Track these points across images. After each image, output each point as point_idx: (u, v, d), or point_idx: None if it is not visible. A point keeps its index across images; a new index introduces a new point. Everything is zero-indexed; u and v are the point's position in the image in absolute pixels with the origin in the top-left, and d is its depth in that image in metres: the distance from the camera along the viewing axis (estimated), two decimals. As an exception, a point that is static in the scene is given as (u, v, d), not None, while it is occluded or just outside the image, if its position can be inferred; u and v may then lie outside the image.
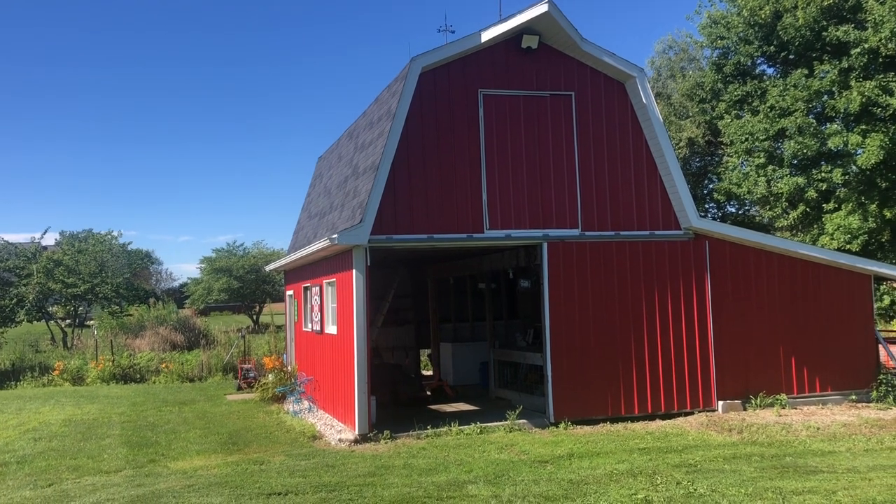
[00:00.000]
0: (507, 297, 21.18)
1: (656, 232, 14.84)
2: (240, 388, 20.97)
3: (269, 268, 23.66)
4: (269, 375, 19.14)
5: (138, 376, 24.75)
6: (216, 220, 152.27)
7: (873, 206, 24.17)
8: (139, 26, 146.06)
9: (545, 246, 14.23)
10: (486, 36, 13.87)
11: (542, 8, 13.76)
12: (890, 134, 23.15)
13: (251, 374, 21.21)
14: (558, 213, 14.35)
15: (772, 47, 26.82)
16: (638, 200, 14.80)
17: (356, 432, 13.00)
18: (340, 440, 13.00)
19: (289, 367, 19.78)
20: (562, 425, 13.78)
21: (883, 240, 25.43)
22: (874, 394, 15.44)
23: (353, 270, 13.18)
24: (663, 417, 14.38)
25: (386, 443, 12.75)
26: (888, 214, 24.14)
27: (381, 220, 13.24)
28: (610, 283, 14.52)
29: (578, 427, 13.75)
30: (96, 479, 10.82)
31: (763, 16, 25.94)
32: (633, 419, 14.23)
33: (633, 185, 14.79)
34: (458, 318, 21.81)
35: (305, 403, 16.82)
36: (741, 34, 27.35)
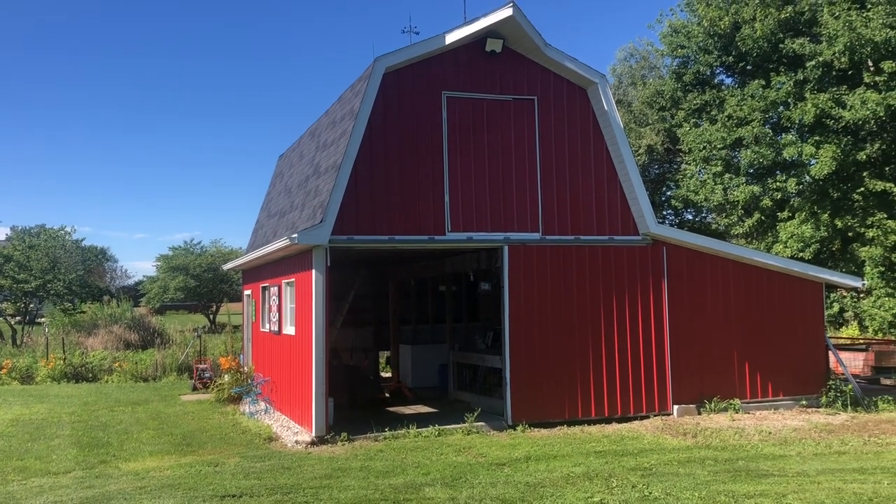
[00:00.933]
0: (467, 299, 21.22)
1: (615, 237, 14.99)
2: (195, 389, 20.65)
3: (226, 267, 23.34)
4: (226, 376, 18.87)
5: (90, 375, 24.22)
6: (173, 217, 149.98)
7: (825, 216, 24.76)
8: (92, 15, 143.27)
9: (506, 249, 14.28)
10: (451, 38, 13.88)
11: (506, 12, 13.81)
12: (842, 145, 23.75)
13: (207, 375, 20.90)
14: (520, 217, 14.41)
15: (730, 57, 27.33)
16: (598, 205, 14.94)
17: (313, 434, 12.88)
18: (297, 442, 12.88)
19: (245, 368, 19.53)
20: (519, 428, 13.83)
21: (834, 248, 26.07)
22: (823, 399, 15.80)
23: (313, 270, 13.07)
24: (620, 421, 14.53)
25: (343, 445, 12.66)
26: (839, 224, 24.74)
27: (342, 221, 13.15)
28: (569, 287, 14.62)
29: (536, 430, 13.81)
30: (44, 480, 10.55)
31: (722, 26, 26.42)
32: (590, 422, 14.34)
33: (594, 190, 14.92)
34: (418, 319, 21.78)
35: (262, 405, 16.64)
36: (701, 44, 27.83)
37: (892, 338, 23.19)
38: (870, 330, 24.88)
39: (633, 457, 11.35)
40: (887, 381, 18.76)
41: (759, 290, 15.87)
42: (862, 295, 25.39)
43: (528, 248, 14.43)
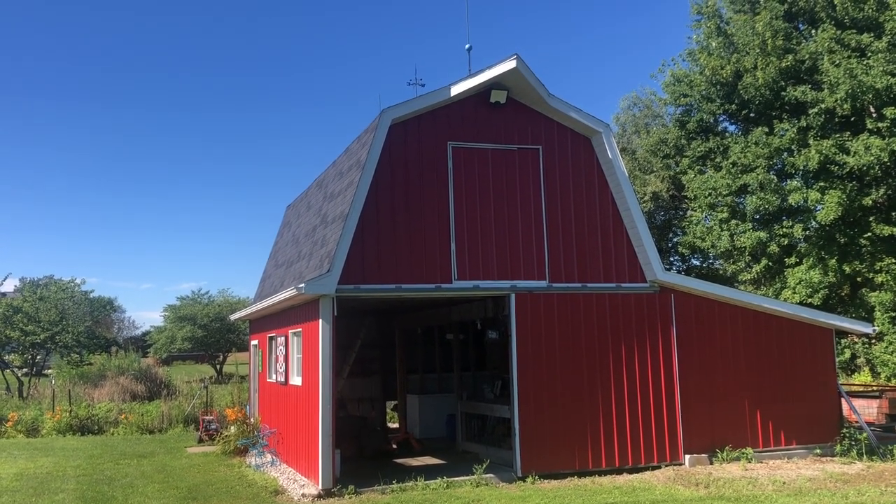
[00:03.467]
0: (475, 348, 21.08)
1: (623, 284, 14.97)
2: (201, 441, 20.47)
3: (234, 317, 23.34)
4: (232, 427, 18.74)
5: (96, 428, 24.07)
6: (180, 267, 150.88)
7: (833, 261, 24.65)
8: (95, 63, 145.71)
9: (513, 297, 14.26)
10: (456, 90, 14.09)
11: (510, 64, 14.04)
12: (847, 191, 23.78)
13: (213, 426, 20.75)
14: (526, 265, 14.42)
15: (733, 105, 27.57)
16: (604, 253, 14.95)
17: (320, 487, 12.72)
18: (304, 495, 12.71)
19: (252, 419, 19.38)
20: (529, 479, 13.63)
21: (843, 294, 25.90)
22: (838, 448, 15.54)
23: (320, 320, 13.06)
24: (631, 471, 14.31)
25: (350, 498, 12.48)
26: (848, 269, 24.62)
27: (348, 270, 13.19)
28: (577, 335, 14.55)
29: (546, 481, 13.61)
30: (47, 536, 10.42)
31: (724, 75, 26.71)
32: (601, 473, 14.12)
33: (600, 237, 14.95)
34: (425, 369, 21.63)
35: (268, 457, 16.46)
36: (703, 92, 28.11)
37: (906, 384, 22.89)
38: (882, 376, 24.56)
39: (644, 508, 11.16)
40: (902, 429, 18.44)
41: (769, 337, 15.75)
42: (873, 341, 25.13)
43: (535, 295, 14.41)
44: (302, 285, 12.79)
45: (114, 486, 14.20)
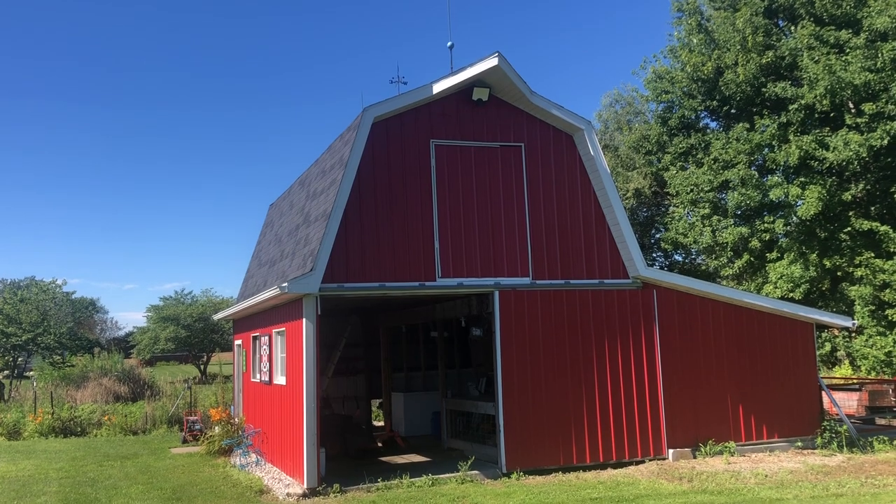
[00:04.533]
0: (459, 345, 21.12)
1: (605, 280, 15.04)
2: (185, 441, 20.37)
3: (217, 316, 23.23)
4: (216, 427, 18.65)
5: (79, 429, 23.87)
6: (163, 267, 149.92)
7: (814, 256, 24.90)
8: (79, 67, 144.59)
9: (497, 294, 14.29)
10: (438, 88, 14.10)
11: (492, 61, 14.05)
12: (827, 186, 24.02)
13: (197, 427, 20.65)
14: (509, 262, 14.46)
15: (714, 102, 27.77)
16: (587, 249, 15.01)
17: (305, 486, 12.70)
18: (289, 494, 12.69)
19: (236, 419, 19.31)
20: (514, 476, 13.68)
21: (823, 288, 26.16)
22: (819, 440, 15.70)
23: (304, 319, 13.03)
24: (615, 466, 14.39)
25: (335, 497, 12.47)
26: (828, 264, 24.87)
27: (332, 269, 13.17)
28: (561, 332, 14.61)
29: (531, 477, 13.66)
30: (30, 539, 10.33)
31: (706, 72, 26.89)
32: (585, 468, 14.20)
33: (583, 234, 15.01)
34: (410, 367, 21.63)
35: (253, 456, 16.41)
36: (685, 89, 28.29)
37: (886, 377, 23.16)
38: (862, 369, 24.84)
39: (629, 503, 11.23)
40: (882, 421, 18.69)
41: (751, 332, 15.88)
42: (853, 334, 25.40)
43: (519, 292, 14.45)
44: (285, 284, 12.76)
45: (97, 488, 14.11)
